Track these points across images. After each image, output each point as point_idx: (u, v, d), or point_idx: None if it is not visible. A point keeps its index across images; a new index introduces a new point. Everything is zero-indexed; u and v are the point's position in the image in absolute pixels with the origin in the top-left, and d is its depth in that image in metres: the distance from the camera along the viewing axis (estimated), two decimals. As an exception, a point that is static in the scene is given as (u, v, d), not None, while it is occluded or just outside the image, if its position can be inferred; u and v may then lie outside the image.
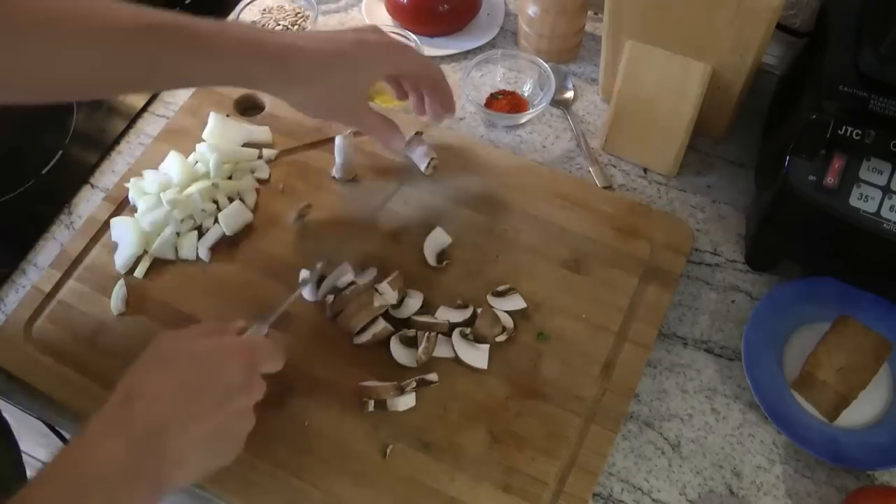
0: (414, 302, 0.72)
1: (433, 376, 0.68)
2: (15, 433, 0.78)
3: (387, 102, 0.90)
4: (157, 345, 0.57)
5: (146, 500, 0.52)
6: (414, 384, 0.67)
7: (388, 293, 0.70)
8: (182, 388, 0.54)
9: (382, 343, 0.70)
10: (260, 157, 0.83)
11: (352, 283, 0.71)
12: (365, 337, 0.70)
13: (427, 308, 0.72)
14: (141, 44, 0.60)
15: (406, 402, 0.67)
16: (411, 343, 0.69)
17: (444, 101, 0.74)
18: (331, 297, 0.72)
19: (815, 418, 0.67)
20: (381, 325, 0.70)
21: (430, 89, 0.73)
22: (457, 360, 0.69)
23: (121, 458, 0.51)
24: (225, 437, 0.56)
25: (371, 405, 0.67)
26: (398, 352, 0.69)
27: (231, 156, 0.81)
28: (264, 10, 0.96)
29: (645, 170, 0.84)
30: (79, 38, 0.59)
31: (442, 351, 0.70)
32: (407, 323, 0.71)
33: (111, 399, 0.54)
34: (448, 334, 0.70)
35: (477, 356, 0.69)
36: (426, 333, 0.69)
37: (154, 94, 0.92)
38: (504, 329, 0.70)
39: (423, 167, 0.78)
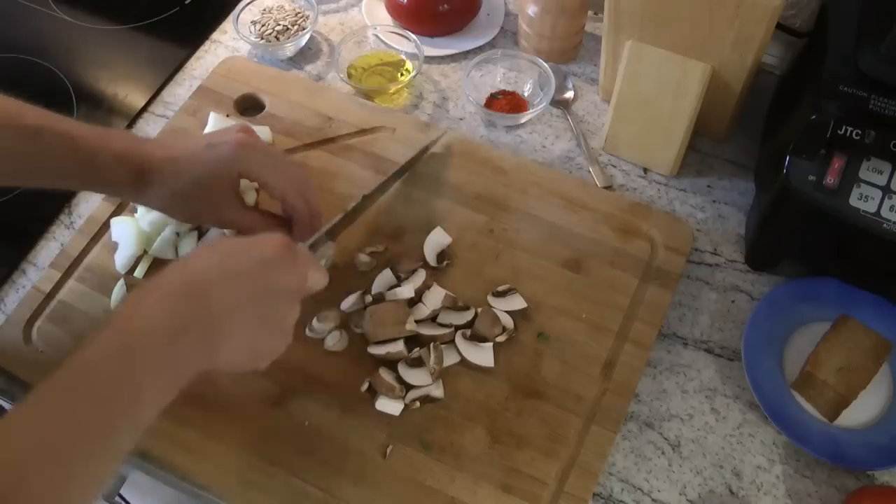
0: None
1: (438, 392, 0.68)
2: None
3: (385, 102, 0.90)
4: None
5: (195, 360, 0.51)
6: (418, 403, 0.67)
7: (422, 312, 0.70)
8: (226, 256, 0.54)
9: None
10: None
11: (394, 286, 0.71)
12: (379, 350, 0.69)
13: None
14: (19, 142, 0.62)
15: (394, 407, 0.67)
16: (417, 364, 0.69)
17: (309, 215, 0.68)
18: (369, 297, 0.72)
19: (815, 418, 0.67)
20: (399, 348, 0.69)
21: (293, 201, 0.67)
22: (461, 361, 0.69)
23: (163, 310, 0.50)
24: (272, 317, 0.55)
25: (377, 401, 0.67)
26: (406, 373, 0.69)
27: (231, 156, 0.81)
28: (264, 10, 0.96)
29: (645, 170, 0.84)
30: None
31: (448, 357, 0.69)
32: (415, 338, 0.70)
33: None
34: (452, 337, 0.70)
35: (483, 355, 0.69)
36: (431, 344, 0.69)
37: (154, 94, 0.92)
38: (504, 329, 0.70)
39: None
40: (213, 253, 0.55)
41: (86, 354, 0.49)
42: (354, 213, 0.71)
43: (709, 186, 0.82)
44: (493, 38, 0.95)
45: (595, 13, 0.94)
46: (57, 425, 0.47)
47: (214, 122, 0.83)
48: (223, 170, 0.65)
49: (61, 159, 0.63)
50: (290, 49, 0.93)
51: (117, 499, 0.92)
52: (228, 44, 0.97)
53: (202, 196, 0.66)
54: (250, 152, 0.66)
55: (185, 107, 0.88)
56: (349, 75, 0.91)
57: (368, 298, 0.72)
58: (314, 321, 0.70)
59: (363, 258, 0.75)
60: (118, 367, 0.48)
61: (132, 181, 0.64)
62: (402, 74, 0.92)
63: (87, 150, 0.63)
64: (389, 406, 0.67)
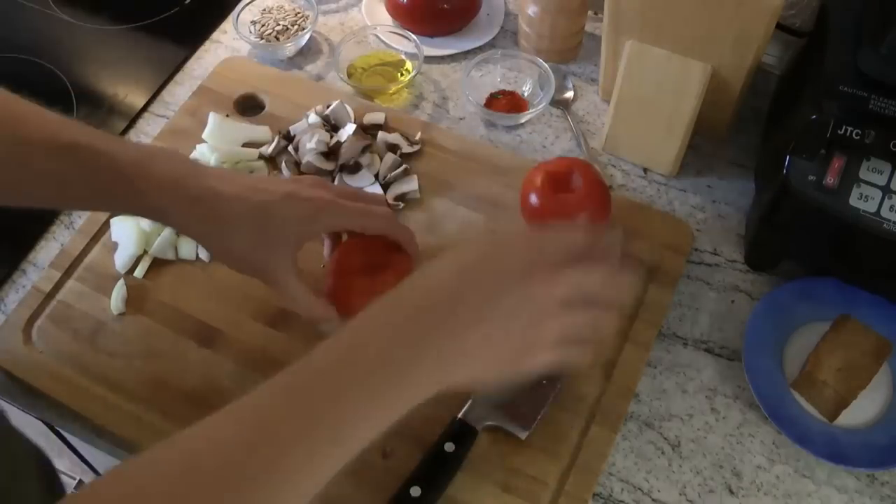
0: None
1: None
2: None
3: (385, 102, 0.90)
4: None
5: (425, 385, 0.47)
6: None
7: None
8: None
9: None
10: (260, 157, 0.83)
11: None
12: None
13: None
14: (53, 161, 0.57)
15: None
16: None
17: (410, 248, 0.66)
18: None
19: (815, 418, 0.67)
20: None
21: (393, 235, 0.65)
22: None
23: (451, 283, 0.47)
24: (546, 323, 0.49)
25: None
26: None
27: (231, 156, 0.81)
28: (264, 10, 0.96)
29: (645, 170, 0.84)
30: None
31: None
32: None
33: None
34: None
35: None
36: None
37: (154, 94, 0.92)
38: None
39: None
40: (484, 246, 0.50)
41: (314, 360, 0.47)
42: None
43: (709, 186, 0.82)
44: (493, 38, 0.95)
45: (595, 13, 0.94)
46: (285, 415, 0.44)
47: (214, 122, 0.83)
48: (300, 228, 0.61)
49: (100, 182, 0.58)
50: (290, 49, 0.93)
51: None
52: (228, 44, 0.97)
53: (269, 251, 0.60)
54: (333, 212, 0.62)
55: (185, 107, 0.88)
56: (349, 75, 0.91)
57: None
58: None
59: None
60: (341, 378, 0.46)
61: (182, 210, 0.59)
62: (402, 74, 0.92)
63: (128, 172, 0.58)
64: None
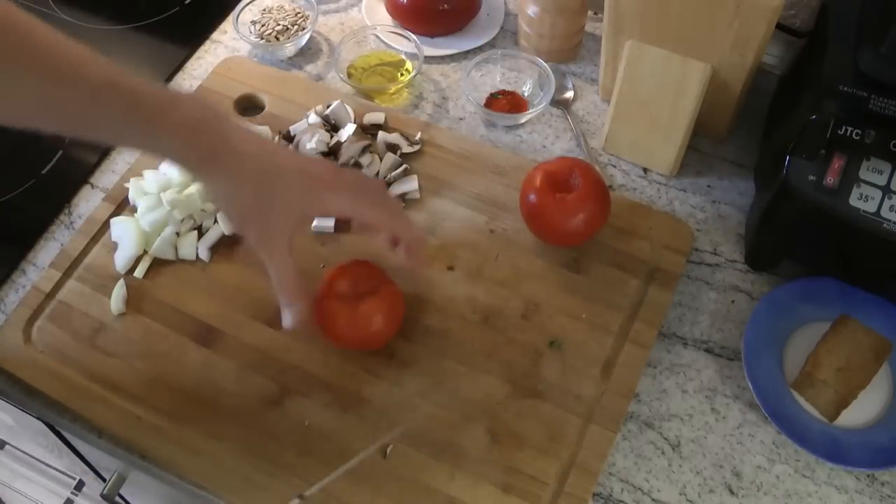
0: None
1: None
2: (15, 433, 0.78)
3: (385, 102, 0.90)
4: None
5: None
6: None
7: None
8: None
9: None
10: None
11: None
12: None
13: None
14: (71, 90, 0.56)
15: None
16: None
17: (409, 254, 0.66)
18: None
19: (815, 418, 0.67)
20: None
21: (384, 229, 0.66)
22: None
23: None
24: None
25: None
26: None
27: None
28: (264, 10, 0.96)
29: (645, 170, 0.84)
30: (13, 60, 0.55)
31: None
32: None
33: None
34: None
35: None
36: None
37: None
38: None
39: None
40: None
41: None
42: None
43: (709, 186, 0.82)
44: (493, 38, 0.95)
45: (595, 13, 0.94)
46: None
47: (214, 122, 0.83)
48: (305, 201, 0.61)
49: (119, 120, 0.58)
50: (290, 49, 0.93)
51: (117, 499, 0.92)
52: (228, 44, 0.97)
53: (263, 210, 0.60)
54: (339, 194, 0.62)
55: (185, 107, 0.88)
56: (349, 75, 0.91)
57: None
58: None
59: None
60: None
61: (195, 157, 0.59)
62: (402, 74, 0.92)
63: (147, 113, 0.58)
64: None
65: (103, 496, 0.88)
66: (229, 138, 0.60)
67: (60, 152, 0.87)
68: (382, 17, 0.97)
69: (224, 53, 0.96)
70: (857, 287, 0.72)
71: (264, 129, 0.84)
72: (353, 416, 0.67)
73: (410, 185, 0.80)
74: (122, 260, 0.76)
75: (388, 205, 0.65)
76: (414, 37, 0.90)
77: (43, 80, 0.56)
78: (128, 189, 0.80)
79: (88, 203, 0.83)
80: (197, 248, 0.77)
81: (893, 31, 0.61)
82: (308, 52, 0.95)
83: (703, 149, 0.85)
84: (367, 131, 0.84)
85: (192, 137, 0.59)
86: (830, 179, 0.65)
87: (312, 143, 0.80)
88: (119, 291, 0.74)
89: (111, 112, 0.57)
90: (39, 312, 0.74)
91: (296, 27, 0.94)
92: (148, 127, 0.58)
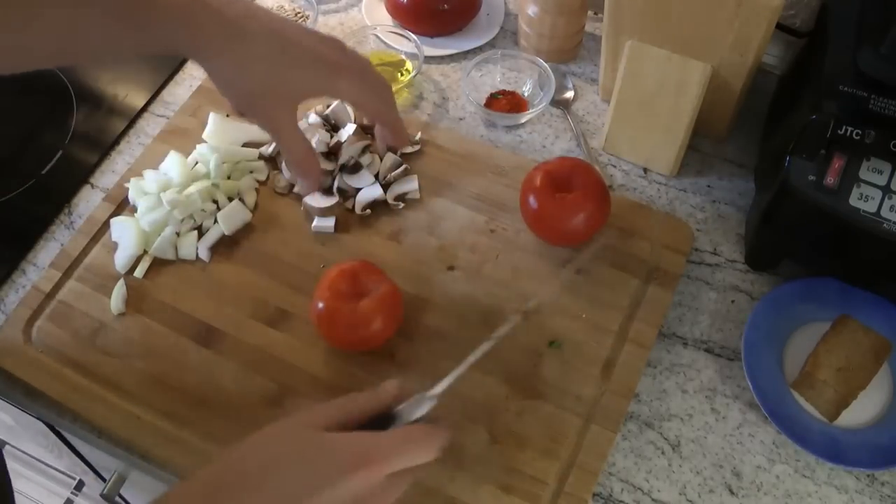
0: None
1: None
2: (15, 433, 0.78)
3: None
4: (273, 429, 0.50)
5: None
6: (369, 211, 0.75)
7: None
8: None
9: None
10: (260, 157, 0.83)
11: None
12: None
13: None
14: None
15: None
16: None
17: (392, 133, 0.66)
18: None
19: (815, 418, 0.67)
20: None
21: (376, 116, 0.66)
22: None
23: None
24: None
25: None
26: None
27: (231, 156, 0.81)
28: (264, 10, 0.96)
29: (645, 170, 0.84)
30: None
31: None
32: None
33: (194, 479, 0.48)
34: None
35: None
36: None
37: (154, 93, 0.92)
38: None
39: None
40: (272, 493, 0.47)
41: None
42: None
43: (709, 186, 0.82)
44: (493, 38, 0.95)
45: (595, 13, 0.94)
46: None
47: (214, 122, 0.83)
48: (314, 82, 0.59)
49: (110, 12, 0.54)
50: (290, 49, 0.93)
51: (117, 499, 0.92)
52: (228, 44, 0.97)
53: (272, 89, 0.58)
54: (350, 80, 0.60)
55: (185, 107, 0.88)
56: (349, 75, 0.91)
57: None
58: None
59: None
60: None
61: (197, 43, 0.56)
62: (402, 74, 0.92)
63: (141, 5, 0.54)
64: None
65: (103, 496, 0.88)
66: (235, 15, 0.56)
67: (60, 152, 0.87)
68: (382, 17, 0.97)
69: (224, 53, 0.95)
70: (857, 287, 0.72)
71: (264, 129, 0.84)
72: (353, 416, 0.67)
73: (410, 185, 0.80)
74: (122, 260, 0.76)
75: (387, 96, 0.64)
76: (414, 37, 0.90)
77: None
78: (128, 189, 0.80)
79: (88, 203, 0.83)
80: (197, 248, 0.77)
81: (893, 31, 0.61)
82: (308, 52, 0.95)
83: (703, 149, 0.85)
84: (367, 131, 0.84)
85: (190, 19, 0.55)
86: (830, 179, 0.65)
87: (312, 143, 0.80)
88: (119, 291, 0.74)
89: (101, 6, 0.54)
90: (39, 312, 0.74)
91: (296, 27, 0.94)
92: (148, 13, 0.55)
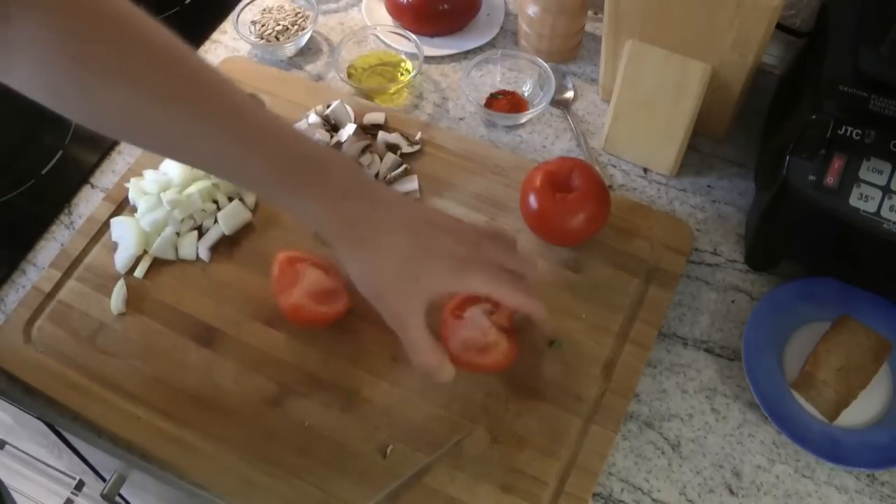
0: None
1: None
2: (15, 433, 0.78)
3: (385, 102, 0.90)
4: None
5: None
6: None
7: None
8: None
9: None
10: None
11: None
12: None
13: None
14: (222, 132, 0.55)
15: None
16: None
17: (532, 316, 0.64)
18: None
19: (815, 418, 0.67)
20: None
21: (516, 308, 0.64)
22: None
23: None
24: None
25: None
26: None
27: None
28: (264, 10, 0.96)
29: (645, 170, 0.84)
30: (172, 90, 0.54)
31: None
32: None
33: None
34: None
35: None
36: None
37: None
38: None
39: None
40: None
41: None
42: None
43: (709, 186, 0.82)
44: (493, 38, 0.95)
45: (595, 13, 0.94)
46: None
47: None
48: (446, 284, 0.59)
49: (266, 173, 0.56)
50: (290, 49, 0.93)
51: (117, 499, 0.92)
52: (228, 44, 0.97)
53: (401, 289, 0.58)
54: (482, 280, 0.59)
55: (185, 107, 0.88)
56: (349, 75, 0.91)
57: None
58: None
59: None
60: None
61: (338, 228, 0.58)
62: (402, 74, 0.92)
63: (299, 177, 0.56)
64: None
65: (103, 496, 0.88)
66: (377, 211, 0.58)
67: (60, 152, 0.87)
68: (382, 17, 0.97)
69: (224, 53, 0.96)
70: (857, 287, 0.72)
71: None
72: (353, 416, 0.67)
73: (410, 185, 0.80)
74: (122, 260, 0.76)
75: (521, 290, 0.62)
76: (414, 37, 0.90)
77: (196, 117, 0.54)
78: (128, 189, 0.80)
79: (88, 203, 0.83)
80: (197, 248, 0.77)
81: (893, 32, 0.61)
82: (308, 52, 0.95)
83: (703, 149, 0.85)
84: (367, 131, 0.84)
85: (337, 205, 0.57)
86: (830, 179, 0.65)
87: (312, 143, 0.80)
88: (119, 291, 0.74)
89: (261, 164, 0.56)
90: (39, 312, 0.74)
91: (296, 27, 0.94)
92: (295, 189, 0.56)
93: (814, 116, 0.65)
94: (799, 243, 0.72)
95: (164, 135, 0.56)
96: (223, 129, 0.55)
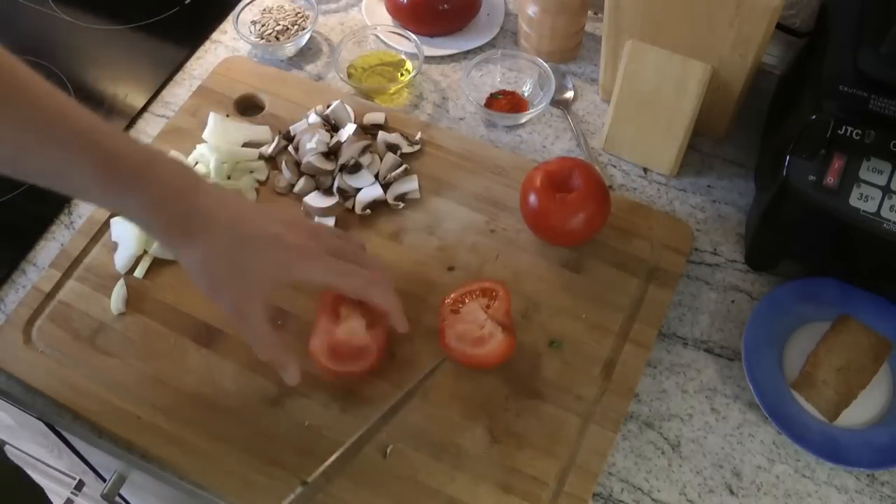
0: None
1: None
2: (15, 433, 0.78)
3: (385, 102, 0.90)
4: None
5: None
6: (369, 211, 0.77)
7: None
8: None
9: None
10: (260, 157, 0.83)
11: None
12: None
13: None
14: (48, 139, 0.56)
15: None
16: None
17: (392, 321, 0.66)
18: None
19: (815, 418, 0.67)
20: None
21: (371, 301, 0.65)
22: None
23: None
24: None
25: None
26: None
27: (231, 156, 0.81)
28: (264, 10, 0.96)
29: (645, 170, 0.84)
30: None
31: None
32: None
33: None
34: None
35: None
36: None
37: (154, 94, 0.92)
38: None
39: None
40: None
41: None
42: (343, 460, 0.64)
43: (709, 186, 0.82)
44: (493, 38, 0.95)
45: (595, 13, 0.94)
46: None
47: (214, 122, 0.83)
48: (276, 272, 0.61)
49: (92, 175, 0.57)
50: (290, 49, 0.93)
51: (117, 499, 0.92)
52: (228, 44, 0.97)
53: (234, 283, 0.60)
54: (311, 267, 0.62)
55: (185, 107, 0.88)
56: (349, 75, 0.91)
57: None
58: None
59: None
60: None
61: (167, 226, 0.59)
62: (402, 74, 0.92)
63: (124, 174, 0.57)
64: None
65: (103, 496, 0.88)
66: (203, 206, 0.59)
67: (60, 152, 0.87)
68: (382, 17, 0.97)
69: (224, 53, 0.96)
70: (857, 287, 0.72)
71: (264, 129, 0.84)
72: (353, 416, 0.67)
73: (410, 185, 0.80)
74: (122, 260, 0.76)
75: (362, 276, 0.64)
76: (414, 37, 0.90)
77: (22, 127, 0.55)
78: (128, 189, 0.79)
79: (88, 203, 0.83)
80: (197, 248, 0.77)
81: (893, 32, 0.61)
82: (308, 52, 0.95)
83: (703, 149, 0.85)
84: (368, 131, 0.84)
85: (164, 203, 0.58)
86: (830, 179, 0.65)
87: (312, 143, 0.80)
88: (119, 291, 0.74)
89: (86, 165, 0.57)
90: (39, 312, 0.74)
91: (296, 27, 0.94)
92: (121, 186, 0.57)
93: (814, 116, 0.65)
94: (799, 243, 0.72)
95: None
96: (48, 135, 0.56)
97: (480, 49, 0.94)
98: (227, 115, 0.85)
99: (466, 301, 0.70)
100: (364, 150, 0.81)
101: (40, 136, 0.56)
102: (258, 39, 0.93)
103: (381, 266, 0.68)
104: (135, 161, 0.58)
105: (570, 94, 0.90)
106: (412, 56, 0.92)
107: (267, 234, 0.61)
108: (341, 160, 0.80)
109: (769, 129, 0.80)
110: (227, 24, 0.98)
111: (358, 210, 0.78)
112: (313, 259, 0.62)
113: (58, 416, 0.71)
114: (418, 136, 0.84)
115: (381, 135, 0.83)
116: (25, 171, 0.59)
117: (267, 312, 0.61)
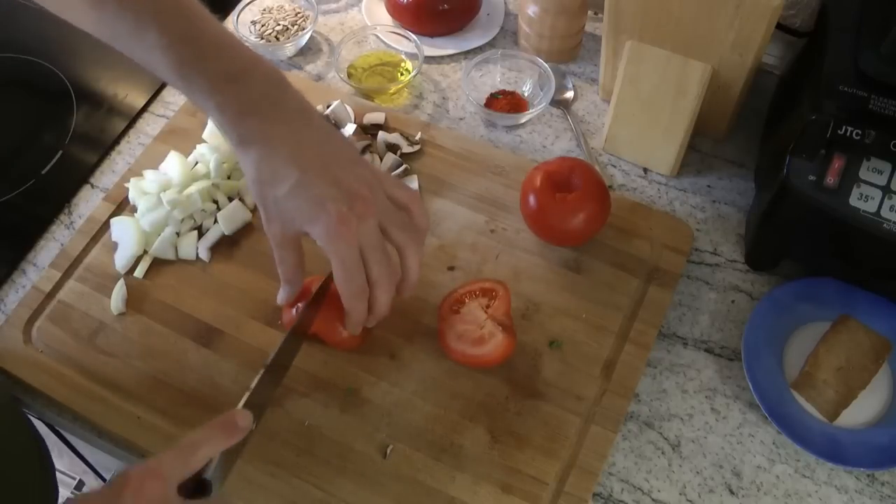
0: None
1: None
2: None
3: (385, 102, 0.90)
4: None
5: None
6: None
7: None
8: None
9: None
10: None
11: None
12: None
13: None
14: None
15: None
16: None
17: (401, 287, 0.63)
18: None
19: (815, 418, 0.67)
20: None
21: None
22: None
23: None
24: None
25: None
26: None
27: (231, 156, 0.81)
28: (264, 10, 0.96)
29: (645, 170, 0.84)
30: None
31: None
32: None
33: None
34: None
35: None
36: None
37: (154, 94, 0.92)
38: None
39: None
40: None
41: None
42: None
43: (709, 186, 0.82)
44: (493, 38, 0.95)
45: (595, 13, 0.94)
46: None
47: (214, 122, 0.83)
48: (302, 222, 0.58)
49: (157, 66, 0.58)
50: (290, 49, 0.93)
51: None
52: (228, 44, 0.97)
53: (284, 211, 0.58)
54: (370, 224, 0.58)
55: (185, 107, 0.88)
56: (349, 75, 0.91)
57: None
58: None
59: None
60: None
61: (233, 129, 0.58)
62: (402, 74, 0.92)
63: (216, 83, 0.57)
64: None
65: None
66: (276, 131, 0.58)
67: (60, 152, 0.87)
68: (382, 17, 0.97)
69: (224, 53, 0.95)
70: (856, 287, 0.72)
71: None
72: (353, 416, 0.67)
73: (410, 185, 0.80)
74: (122, 260, 0.76)
75: (409, 236, 0.62)
76: (414, 37, 0.90)
77: (161, 32, 0.58)
78: (128, 189, 0.80)
79: (88, 203, 0.83)
80: (197, 248, 0.77)
81: (893, 31, 0.61)
82: (308, 52, 0.95)
83: (703, 149, 0.85)
84: (368, 131, 0.84)
85: (242, 118, 0.58)
86: (830, 179, 0.65)
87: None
88: (119, 291, 0.74)
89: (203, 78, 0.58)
90: (39, 312, 0.74)
91: (296, 27, 0.94)
92: (210, 95, 0.57)
93: (814, 116, 0.65)
94: (799, 243, 0.72)
95: None
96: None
97: (480, 49, 0.94)
98: (227, 115, 0.85)
99: (466, 301, 0.70)
100: (364, 150, 0.81)
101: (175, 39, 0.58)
102: (258, 39, 0.93)
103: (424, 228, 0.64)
104: (235, 65, 0.58)
105: (570, 94, 0.90)
106: (412, 56, 0.92)
107: (321, 197, 0.57)
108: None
109: (769, 129, 0.80)
110: (228, 24, 0.98)
111: None
112: (351, 246, 0.58)
113: (58, 416, 0.71)
114: (418, 136, 0.84)
115: (381, 135, 0.83)
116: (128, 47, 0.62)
117: (300, 241, 0.62)
